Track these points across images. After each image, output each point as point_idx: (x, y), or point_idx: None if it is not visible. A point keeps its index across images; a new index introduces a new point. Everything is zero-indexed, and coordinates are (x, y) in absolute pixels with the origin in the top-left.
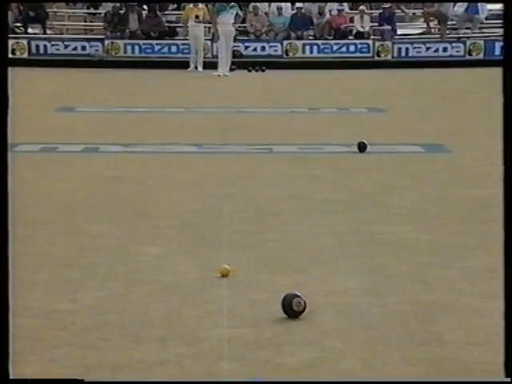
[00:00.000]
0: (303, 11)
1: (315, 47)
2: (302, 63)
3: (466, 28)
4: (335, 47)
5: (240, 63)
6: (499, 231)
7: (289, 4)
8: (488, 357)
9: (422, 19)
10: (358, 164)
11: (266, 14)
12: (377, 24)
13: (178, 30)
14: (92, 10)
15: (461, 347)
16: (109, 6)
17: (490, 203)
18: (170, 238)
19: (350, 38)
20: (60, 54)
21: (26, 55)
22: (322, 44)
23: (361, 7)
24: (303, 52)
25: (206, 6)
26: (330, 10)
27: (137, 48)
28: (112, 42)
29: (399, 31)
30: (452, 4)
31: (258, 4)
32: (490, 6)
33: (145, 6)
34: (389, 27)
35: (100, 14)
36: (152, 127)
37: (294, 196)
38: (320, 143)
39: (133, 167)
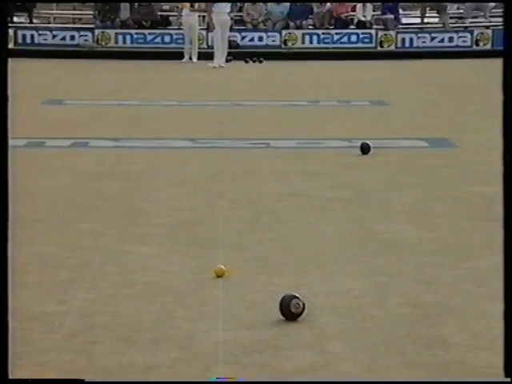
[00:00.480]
0: None
1: (315, 37)
2: (301, 54)
3: (473, 17)
4: (336, 37)
5: (236, 54)
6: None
7: None
8: (495, 360)
9: (421, 9)
10: (359, 160)
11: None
12: (379, 13)
13: (171, 19)
14: None
15: (466, 351)
16: None
17: (496, 200)
18: (162, 237)
19: (352, 27)
20: (47, 44)
21: (11, 45)
22: (323, 34)
23: None
24: (302, 42)
25: None
26: None
27: (128, 38)
28: (102, 32)
29: (403, 20)
30: None
31: None
32: None
33: None
34: (392, 16)
35: (90, 2)
36: (144, 121)
37: (292, 193)
38: (320, 138)
39: (124, 163)
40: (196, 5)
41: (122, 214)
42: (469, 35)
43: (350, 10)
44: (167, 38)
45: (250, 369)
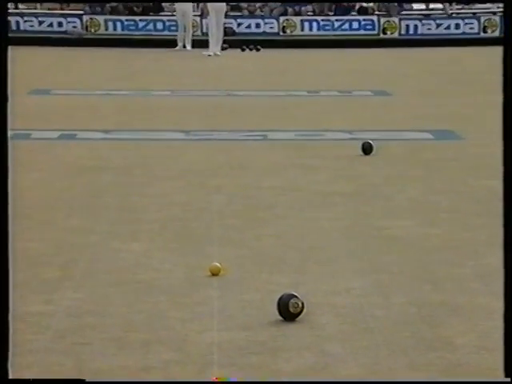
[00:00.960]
0: None
1: (315, 24)
2: (300, 41)
3: (481, 2)
4: (337, 24)
5: (232, 42)
6: None
7: None
8: (503, 362)
9: None
10: (360, 152)
11: None
12: None
13: (164, 4)
14: None
15: (473, 352)
16: None
17: None
18: (154, 234)
19: (353, 13)
20: (34, 31)
21: None
22: (322, 20)
23: None
24: (301, 29)
25: None
26: None
27: (119, 25)
28: (91, 18)
29: (407, 6)
30: None
31: None
32: None
33: None
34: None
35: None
36: (135, 112)
37: (290, 187)
38: (319, 129)
39: (114, 156)
40: None
41: (113, 210)
42: (476, 22)
43: None
44: (160, 25)
45: (246, 371)
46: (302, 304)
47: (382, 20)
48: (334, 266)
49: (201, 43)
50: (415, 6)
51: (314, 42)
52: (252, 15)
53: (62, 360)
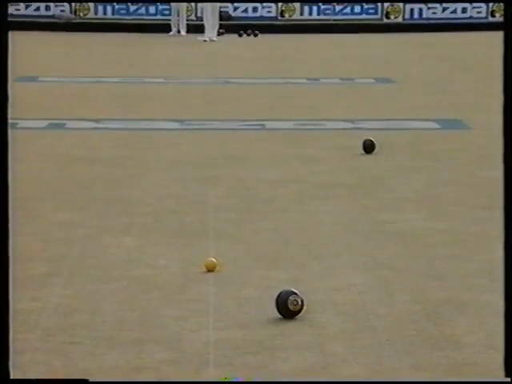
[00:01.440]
0: None
1: (315, 8)
2: (299, 26)
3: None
4: (338, 8)
5: (229, 26)
6: None
7: None
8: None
9: None
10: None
11: None
12: None
13: None
14: None
15: (480, 351)
16: None
17: None
18: (147, 227)
19: None
20: (20, 16)
21: None
22: (323, 4)
23: None
24: (301, 14)
25: None
26: None
27: (109, 9)
28: (80, 2)
29: None
30: None
31: None
32: None
33: None
34: None
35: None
36: (127, 100)
37: (289, 179)
38: (320, 119)
39: (105, 146)
40: None
41: (103, 202)
42: (484, 5)
43: None
44: (152, 9)
45: (243, 371)
46: (302, 301)
47: (386, 4)
48: (335, 261)
49: (196, 28)
50: None
51: (315, 27)
52: None
53: (50, 360)
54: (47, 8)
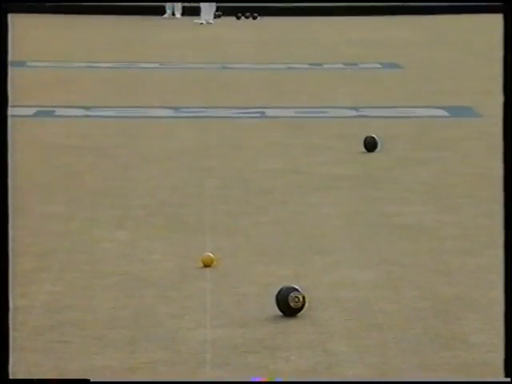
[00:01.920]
0: None
1: None
2: (300, 9)
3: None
4: None
5: (226, 9)
6: None
7: None
8: None
9: None
10: (369, 131)
11: None
12: None
13: None
14: None
15: (490, 350)
16: None
17: None
18: (141, 221)
19: None
20: None
21: None
22: None
23: None
24: None
25: None
26: None
27: None
28: None
29: None
30: None
31: None
32: None
33: None
34: None
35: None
36: (120, 86)
37: (290, 170)
38: (323, 106)
39: (96, 135)
40: None
41: (94, 194)
42: None
43: None
44: None
45: (242, 371)
46: (303, 298)
47: None
48: (338, 256)
49: (191, 10)
50: None
51: (317, 9)
52: None
53: (39, 360)
54: None
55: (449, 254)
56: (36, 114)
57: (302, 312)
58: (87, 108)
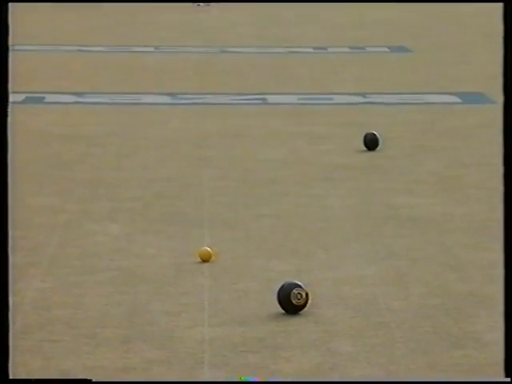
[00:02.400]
0: None
1: None
2: None
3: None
4: None
5: None
6: None
7: None
8: None
9: None
10: (375, 118)
11: None
12: None
13: None
14: None
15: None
16: None
17: None
18: (135, 213)
19: None
20: None
21: None
22: None
23: None
24: None
25: None
26: None
27: None
28: None
29: None
30: None
31: None
32: None
33: None
34: None
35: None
36: (113, 71)
37: (293, 160)
38: (327, 92)
39: (87, 122)
40: None
41: (86, 185)
42: None
43: None
44: None
45: (241, 372)
46: (306, 294)
47: None
48: (343, 250)
49: None
50: None
51: None
52: None
53: (27, 359)
54: None
55: (460, 247)
56: (25, 101)
57: (304, 309)
58: (78, 94)
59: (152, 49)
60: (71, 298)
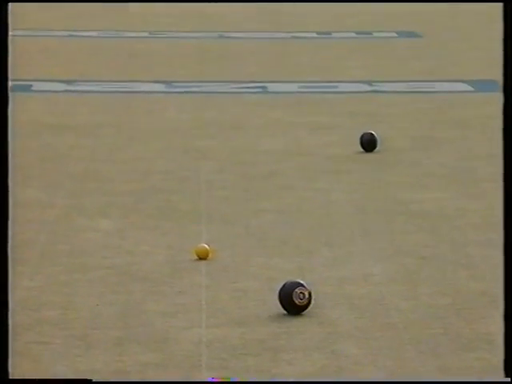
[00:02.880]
0: None
1: None
2: None
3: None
4: None
5: None
6: None
7: None
8: None
9: None
10: (383, 108)
11: None
12: None
13: None
14: None
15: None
16: None
17: None
18: (128, 208)
19: None
20: None
21: None
22: None
23: None
24: None
25: None
26: None
27: None
28: None
29: None
30: None
31: None
32: None
33: None
34: None
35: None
36: (105, 58)
37: (295, 151)
38: (331, 80)
39: (78, 112)
40: None
41: (77, 179)
42: None
43: None
44: None
45: (241, 375)
46: (309, 294)
47: None
48: (348, 247)
49: None
50: None
51: None
52: None
53: (15, 362)
54: None
55: (472, 245)
56: (11, 89)
57: (307, 310)
58: (68, 82)
59: (146, 34)
60: (61, 298)
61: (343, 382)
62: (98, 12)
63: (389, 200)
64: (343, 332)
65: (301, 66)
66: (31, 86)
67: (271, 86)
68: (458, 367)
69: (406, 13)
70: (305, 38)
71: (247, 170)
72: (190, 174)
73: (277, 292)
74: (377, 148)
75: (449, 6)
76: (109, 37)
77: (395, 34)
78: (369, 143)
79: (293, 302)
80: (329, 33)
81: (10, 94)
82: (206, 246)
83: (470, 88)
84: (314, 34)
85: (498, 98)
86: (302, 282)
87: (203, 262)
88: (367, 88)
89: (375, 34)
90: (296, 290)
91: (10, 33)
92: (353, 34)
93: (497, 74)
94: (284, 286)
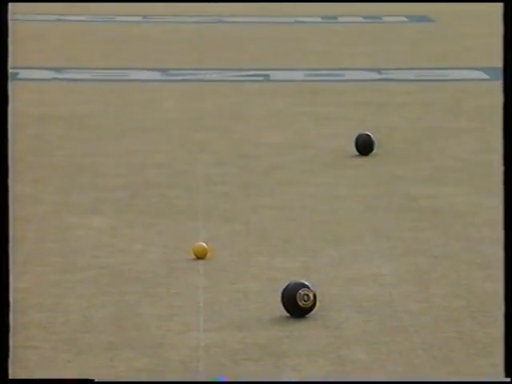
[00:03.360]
0: None
1: None
2: None
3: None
4: None
5: None
6: None
7: None
8: None
9: None
10: (392, 97)
11: None
12: None
13: None
14: None
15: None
16: None
17: None
18: (121, 205)
19: None
20: None
21: None
22: None
23: None
24: None
25: None
26: None
27: None
28: None
29: None
30: None
31: None
32: None
33: None
34: None
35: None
36: (95, 44)
37: (298, 144)
38: (338, 68)
39: (68, 102)
40: None
41: (66, 173)
42: None
43: None
44: None
45: (241, 381)
46: (314, 296)
47: None
48: (355, 246)
49: None
50: None
51: None
52: None
53: None
54: None
55: (487, 243)
56: None
57: (312, 312)
58: (57, 70)
59: (140, 18)
60: (49, 300)
61: (343, 382)
62: None
63: (398, 196)
64: (350, 336)
65: (305, 52)
66: (18, 73)
67: (273, 74)
68: (473, 373)
69: None
70: (309, 22)
71: (248, 163)
72: (186, 167)
73: (279, 293)
74: (373, 151)
75: None
76: (99, 21)
77: (405, 19)
78: (363, 146)
79: (296, 304)
80: (335, 17)
81: None
82: (203, 244)
83: (485, 76)
84: (319, 19)
85: None
86: (306, 282)
87: (201, 261)
88: (375, 76)
89: (384, 19)
90: (300, 291)
91: None
92: (360, 19)
93: None
94: (287, 287)
